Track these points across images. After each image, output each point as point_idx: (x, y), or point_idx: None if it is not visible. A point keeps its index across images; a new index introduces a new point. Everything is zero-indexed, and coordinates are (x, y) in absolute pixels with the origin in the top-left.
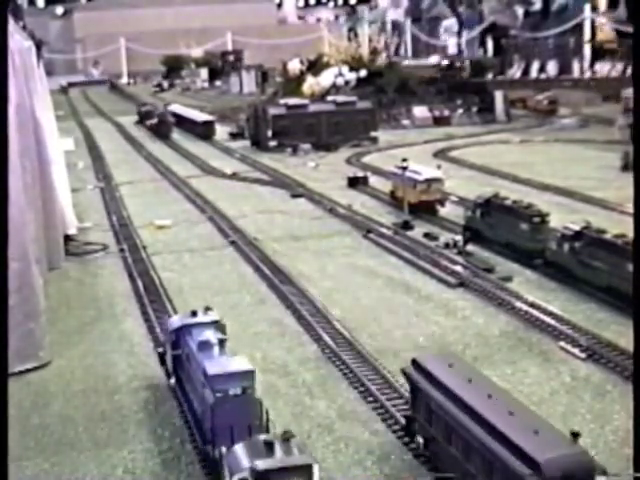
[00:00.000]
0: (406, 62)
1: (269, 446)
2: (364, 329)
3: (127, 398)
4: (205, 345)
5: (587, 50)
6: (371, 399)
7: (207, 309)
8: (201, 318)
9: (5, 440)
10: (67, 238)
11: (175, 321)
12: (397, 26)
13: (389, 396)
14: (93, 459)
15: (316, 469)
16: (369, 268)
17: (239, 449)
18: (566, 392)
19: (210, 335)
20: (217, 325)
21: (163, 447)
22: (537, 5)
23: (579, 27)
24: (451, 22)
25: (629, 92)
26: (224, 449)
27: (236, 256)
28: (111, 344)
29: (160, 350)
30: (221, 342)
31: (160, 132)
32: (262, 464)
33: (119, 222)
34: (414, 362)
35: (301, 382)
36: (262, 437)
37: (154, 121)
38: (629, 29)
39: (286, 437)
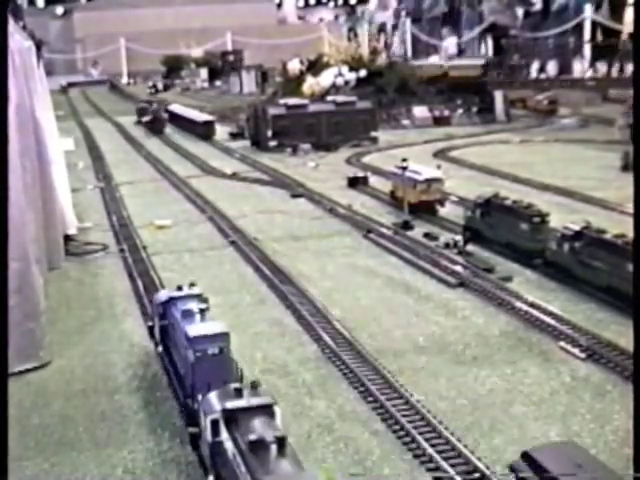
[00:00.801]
0: (448, 62)
1: (238, 392)
2: (364, 329)
3: (127, 398)
4: (188, 313)
5: (587, 50)
6: (371, 399)
7: (192, 285)
8: (185, 292)
9: (5, 440)
10: (67, 238)
11: (163, 295)
12: (391, 27)
13: (389, 396)
14: (93, 459)
15: (277, 409)
16: (369, 268)
17: (213, 396)
18: (566, 392)
19: (193, 305)
20: (199, 297)
21: (163, 447)
22: (537, 5)
23: (579, 27)
24: (449, 42)
25: (616, 93)
26: (200, 397)
27: (236, 256)
28: (111, 344)
29: (150, 324)
30: (202, 311)
31: (154, 128)
32: (230, 405)
33: (119, 222)
34: (526, 456)
35: (301, 382)
36: (233, 385)
37: (148, 118)
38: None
39: (254, 385)
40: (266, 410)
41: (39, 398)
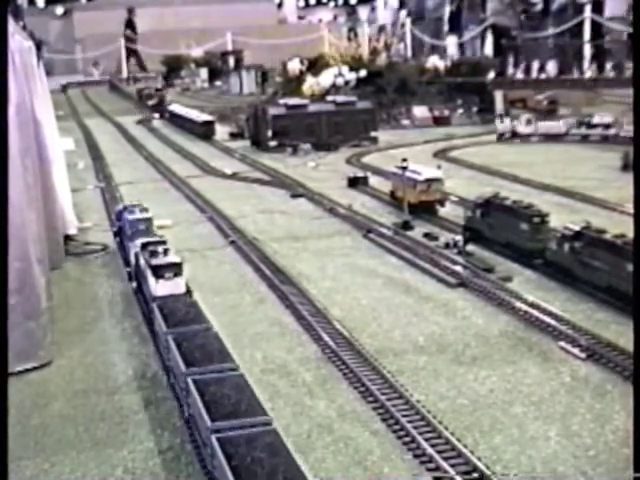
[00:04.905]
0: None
1: (152, 236)
2: (364, 329)
3: (127, 398)
4: (131, 211)
5: (587, 50)
6: (371, 399)
7: (137, 202)
8: (133, 204)
9: (5, 440)
10: (67, 238)
11: (119, 207)
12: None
13: (389, 396)
14: (93, 459)
15: (170, 246)
16: (369, 268)
17: (137, 241)
18: (566, 392)
19: (136, 209)
20: (141, 205)
21: (163, 447)
22: (538, 6)
23: (579, 27)
24: (450, 40)
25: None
26: (131, 245)
27: (236, 256)
28: (111, 344)
29: (114, 229)
30: (140, 210)
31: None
32: (144, 241)
33: None
34: None
35: (301, 382)
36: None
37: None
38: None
39: (162, 239)
40: (163, 243)
41: (39, 398)
